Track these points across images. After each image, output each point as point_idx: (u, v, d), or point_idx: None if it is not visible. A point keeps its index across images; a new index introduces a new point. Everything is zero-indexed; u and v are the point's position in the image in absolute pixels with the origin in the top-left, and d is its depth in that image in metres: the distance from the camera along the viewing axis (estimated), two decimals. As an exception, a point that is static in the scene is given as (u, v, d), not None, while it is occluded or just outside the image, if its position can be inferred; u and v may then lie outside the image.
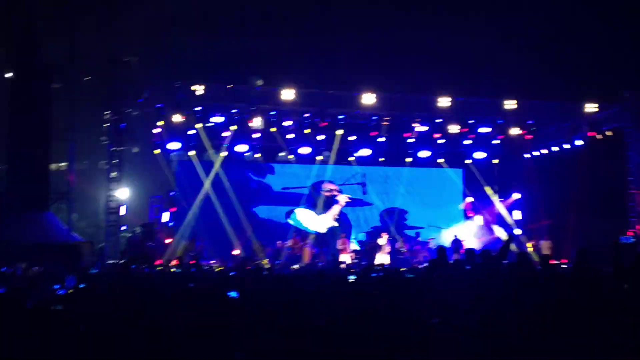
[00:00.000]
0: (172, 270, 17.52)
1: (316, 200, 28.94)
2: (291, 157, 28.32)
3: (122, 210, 23.96)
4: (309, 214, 28.93)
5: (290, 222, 28.69)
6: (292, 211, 28.98)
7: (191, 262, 17.03)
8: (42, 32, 22.94)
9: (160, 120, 24.63)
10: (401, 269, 16.35)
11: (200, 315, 5.53)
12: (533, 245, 26.77)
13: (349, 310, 7.26)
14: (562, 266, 21.53)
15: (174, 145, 26.08)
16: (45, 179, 22.15)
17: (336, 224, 28.68)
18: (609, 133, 26.09)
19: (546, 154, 28.41)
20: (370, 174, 29.77)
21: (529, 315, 7.30)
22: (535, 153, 28.94)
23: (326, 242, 27.37)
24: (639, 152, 25.37)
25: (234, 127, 25.82)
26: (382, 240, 26.07)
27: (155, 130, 25.38)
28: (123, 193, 23.99)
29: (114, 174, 23.65)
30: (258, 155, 28.27)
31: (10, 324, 6.02)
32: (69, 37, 23.50)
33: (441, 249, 12.01)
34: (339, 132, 26.75)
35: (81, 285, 10.30)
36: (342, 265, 23.12)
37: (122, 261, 18.90)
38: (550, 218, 28.05)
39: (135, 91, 23.91)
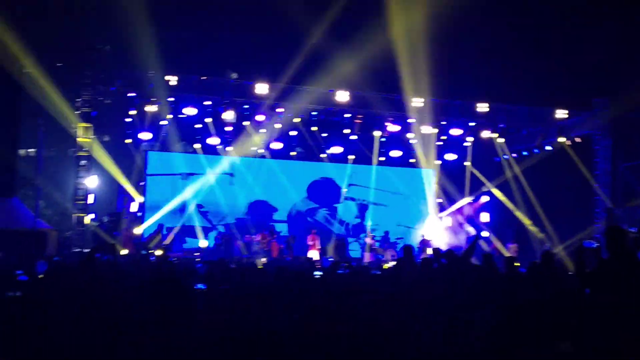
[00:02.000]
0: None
1: None
2: (262, 151, 28.32)
3: (90, 199, 23.75)
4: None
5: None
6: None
7: (156, 253, 16.97)
8: (13, 16, 22.61)
9: (132, 110, 24.44)
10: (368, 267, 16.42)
11: (160, 307, 5.48)
12: (497, 249, 27.08)
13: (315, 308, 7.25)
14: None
15: (146, 136, 25.92)
16: (12, 165, 21.86)
17: None
18: (577, 139, 26.43)
19: (516, 157, 28.69)
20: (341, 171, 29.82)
21: (492, 316, 7.37)
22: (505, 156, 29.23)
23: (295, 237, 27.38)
24: (606, 159, 25.77)
25: (209, 120, 25.78)
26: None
27: (127, 120, 25.20)
28: (92, 181, 23.77)
29: (82, 162, 23.43)
30: (230, 148, 28.16)
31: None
32: (41, 22, 23.20)
33: (407, 247, 12.09)
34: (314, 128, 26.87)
35: (41, 273, 10.21)
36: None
37: (87, 250, 18.73)
38: (518, 221, 28.39)
39: (107, 79, 23.71)
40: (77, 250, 21.60)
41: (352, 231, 29.01)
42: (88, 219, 23.76)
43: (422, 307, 8.06)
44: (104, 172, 25.71)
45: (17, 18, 21.99)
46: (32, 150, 24.30)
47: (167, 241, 24.29)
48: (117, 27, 27.62)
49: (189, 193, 27.29)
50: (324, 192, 29.62)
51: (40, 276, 9.54)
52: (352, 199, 29.96)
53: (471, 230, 28.85)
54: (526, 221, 27.76)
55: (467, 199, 30.14)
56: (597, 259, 9.09)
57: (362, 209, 30.02)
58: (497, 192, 29.45)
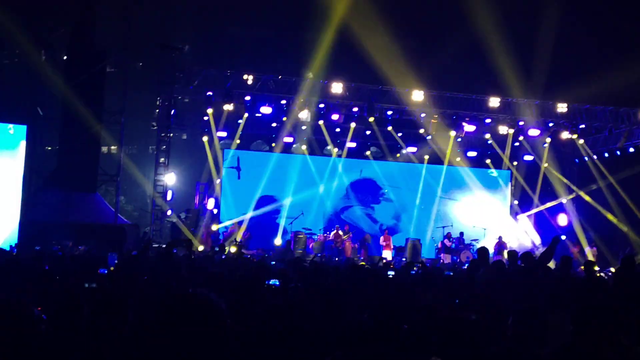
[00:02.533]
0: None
1: None
2: (336, 150, 28.48)
3: (169, 196, 24.25)
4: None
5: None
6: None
7: (232, 250, 17.19)
8: (97, 16, 23.26)
9: (209, 108, 24.81)
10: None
11: (235, 302, 5.57)
12: (578, 252, 26.39)
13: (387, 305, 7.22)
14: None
15: (222, 134, 26.34)
16: (95, 161, 22.48)
17: None
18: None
19: (596, 159, 27.94)
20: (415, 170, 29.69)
21: (568, 320, 7.21)
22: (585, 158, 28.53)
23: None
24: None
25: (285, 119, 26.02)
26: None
27: (205, 118, 25.64)
28: (170, 178, 24.27)
29: (162, 160, 23.94)
30: (304, 147, 28.36)
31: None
32: (123, 22, 23.79)
33: (482, 249, 11.90)
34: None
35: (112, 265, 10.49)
36: (383, 262, 23.00)
37: (164, 245, 19.11)
38: (598, 226, 27.69)
39: (186, 78, 24.14)
40: (155, 245, 22.06)
41: (388, 231, 28.63)
42: (169, 214, 24.29)
43: (493, 308, 7.94)
44: (183, 169, 26.26)
45: (99, 18, 22.62)
46: (114, 147, 24.95)
47: (243, 238, 24.55)
48: (196, 26, 28.20)
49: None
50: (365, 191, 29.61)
51: (111, 268, 9.79)
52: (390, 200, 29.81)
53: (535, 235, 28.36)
54: (614, 219, 26.89)
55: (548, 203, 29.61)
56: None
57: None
58: (582, 194, 28.76)
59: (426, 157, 28.92)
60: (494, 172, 29.90)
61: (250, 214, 27.03)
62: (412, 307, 6.39)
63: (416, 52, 24.03)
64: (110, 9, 24.07)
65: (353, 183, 29.29)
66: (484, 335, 5.28)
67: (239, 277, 9.43)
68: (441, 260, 25.64)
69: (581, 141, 27.41)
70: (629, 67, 22.76)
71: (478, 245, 26.40)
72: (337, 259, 22.87)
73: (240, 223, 26.08)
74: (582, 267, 11.90)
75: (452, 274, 12.15)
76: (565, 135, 26.94)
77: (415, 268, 13.33)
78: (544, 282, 10.35)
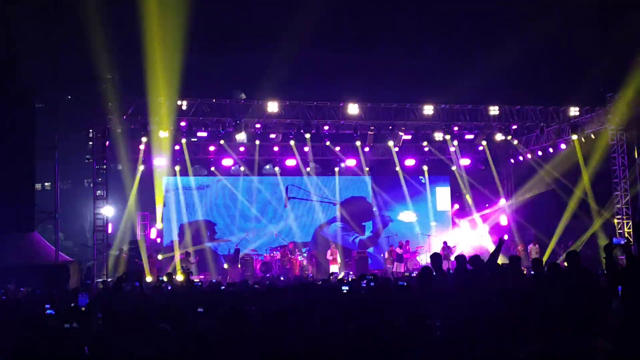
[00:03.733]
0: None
1: None
2: (276, 169, 28.53)
3: (110, 228, 23.80)
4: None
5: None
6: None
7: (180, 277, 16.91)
8: (22, 52, 22.76)
9: (144, 137, 24.45)
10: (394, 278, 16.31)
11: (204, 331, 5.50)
12: (521, 250, 26.87)
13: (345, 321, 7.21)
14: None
15: (160, 161, 26.01)
16: (30, 199, 21.90)
17: None
18: (592, 136, 26.24)
19: (530, 158, 28.56)
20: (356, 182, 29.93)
21: (529, 318, 7.31)
22: (520, 158, 29.16)
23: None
24: (622, 154, 25.59)
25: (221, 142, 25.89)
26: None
27: (140, 147, 25.28)
28: (109, 211, 23.81)
29: (99, 192, 23.48)
30: (243, 168, 28.26)
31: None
32: (49, 57, 23.36)
33: (435, 255, 11.97)
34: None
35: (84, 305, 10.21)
36: (332, 277, 22.97)
37: (112, 279, 18.73)
38: (537, 222, 28.30)
39: (118, 108, 23.75)
40: (100, 280, 21.58)
41: (359, 245, 28.90)
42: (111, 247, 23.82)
43: (453, 312, 8.01)
44: (121, 200, 25.79)
45: (27, 54, 22.15)
46: (48, 183, 24.38)
47: (191, 266, 24.21)
48: (124, 54, 27.81)
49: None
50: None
51: (82, 309, 9.55)
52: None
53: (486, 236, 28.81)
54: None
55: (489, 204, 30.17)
56: (627, 255, 8.99)
57: (385, 222, 30.06)
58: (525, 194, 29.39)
59: (366, 169, 29.10)
60: (423, 178, 30.30)
61: (204, 245, 26.96)
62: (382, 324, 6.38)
63: (348, 64, 24.20)
64: (33, 45, 23.59)
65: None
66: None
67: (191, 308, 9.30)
68: (393, 270, 25.79)
69: (515, 141, 27.96)
70: (556, 66, 23.44)
71: (423, 253, 26.94)
72: (282, 277, 22.74)
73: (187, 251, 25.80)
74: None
75: (405, 284, 12.16)
76: (499, 137, 27.43)
77: (365, 281, 13.31)
78: (495, 283, 10.48)
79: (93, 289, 17.97)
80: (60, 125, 22.98)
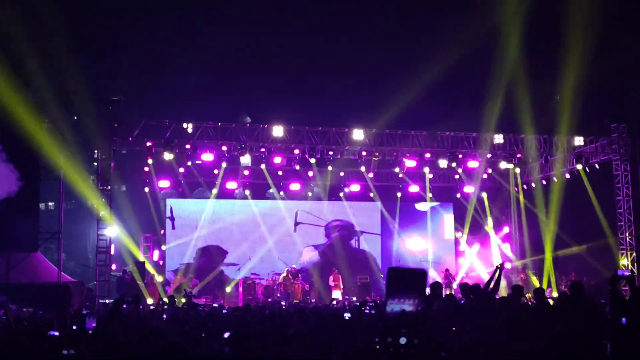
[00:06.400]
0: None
1: None
2: (280, 193, 28.57)
3: (112, 250, 23.79)
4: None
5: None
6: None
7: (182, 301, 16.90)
8: (30, 72, 22.90)
9: (149, 159, 24.51)
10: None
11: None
12: (522, 279, 26.79)
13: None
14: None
15: (164, 184, 26.12)
16: (34, 219, 21.94)
17: None
18: (596, 166, 26.25)
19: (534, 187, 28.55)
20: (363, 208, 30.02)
21: (529, 347, 7.28)
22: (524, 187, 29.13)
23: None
24: (627, 184, 25.58)
25: (224, 165, 25.93)
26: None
27: (145, 168, 25.37)
28: (112, 232, 23.82)
29: (102, 213, 23.50)
30: (247, 192, 28.35)
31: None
32: (57, 77, 23.48)
33: (435, 284, 11.95)
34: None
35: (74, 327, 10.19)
36: (334, 302, 22.90)
37: (112, 301, 18.66)
38: (540, 251, 28.22)
39: (124, 129, 23.85)
40: (102, 302, 21.54)
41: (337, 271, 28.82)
42: (113, 269, 23.82)
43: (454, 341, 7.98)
44: (125, 221, 25.82)
45: (35, 73, 22.28)
46: (52, 203, 24.43)
47: (193, 288, 24.17)
48: (131, 76, 28.01)
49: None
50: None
51: (90, 332, 9.54)
52: None
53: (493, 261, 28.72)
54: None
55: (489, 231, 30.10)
56: (631, 287, 9.00)
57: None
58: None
59: (371, 194, 29.19)
60: (420, 205, 30.33)
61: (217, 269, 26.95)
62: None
63: (355, 90, 24.35)
64: (42, 64, 23.74)
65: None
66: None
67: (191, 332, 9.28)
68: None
69: (517, 170, 27.95)
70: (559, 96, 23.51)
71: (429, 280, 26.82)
72: (283, 303, 22.66)
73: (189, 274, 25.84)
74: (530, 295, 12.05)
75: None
76: (503, 165, 27.42)
77: (367, 307, 13.28)
78: (498, 312, 10.45)
79: (95, 312, 17.91)
80: (65, 145, 22.99)
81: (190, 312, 14.20)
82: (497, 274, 11.39)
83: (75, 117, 27.91)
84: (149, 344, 7.39)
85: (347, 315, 11.71)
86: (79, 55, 24.31)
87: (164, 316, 14.00)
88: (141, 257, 25.18)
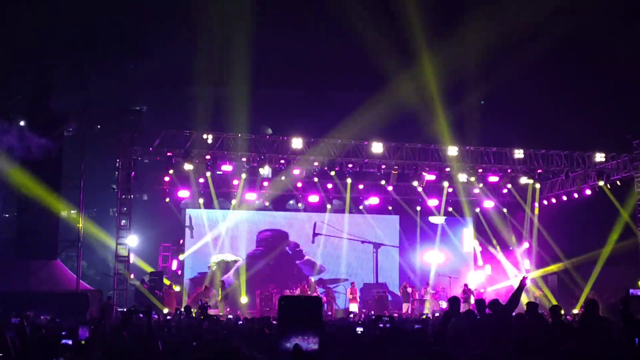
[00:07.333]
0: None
1: None
2: (300, 205, 28.62)
3: (132, 258, 23.92)
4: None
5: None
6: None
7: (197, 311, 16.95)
8: (54, 81, 23.22)
9: (170, 169, 24.64)
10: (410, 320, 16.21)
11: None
12: (538, 296, 26.61)
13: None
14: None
15: (184, 194, 26.26)
16: (55, 227, 22.15)
17: None
18: (618, 183, 26.04)
19: (554, 203, 28.39)
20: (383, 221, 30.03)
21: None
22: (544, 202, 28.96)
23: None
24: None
25: (243, 176, 26.02)
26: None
27: (165, 178, 25.53)
28: (132, 241, 23.97)
29: (123, 222, 23.66)
30: (267, 203, 28.46)
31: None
32: (81, 86, 23.77)
33: (453, 299, 11.87)
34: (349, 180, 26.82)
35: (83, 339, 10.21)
36: (351, 315, 22.84)
37: (126, 310, 18.75)
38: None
39: (145, 139, 24.02)
40: (121, 310, 21.64)
41: (354, 283, 28.69)
42: (132, 277, 23.92)
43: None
44: (145, 231, 25.99)
45: (56, 84, 22.56)
46: (74, 211, 24.61)
47: (210, 298, 24.19)
48: (153, 87, 28.23)
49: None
50: None
51: (82, 342, 9.52)
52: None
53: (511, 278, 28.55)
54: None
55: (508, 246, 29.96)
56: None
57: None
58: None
59: (390, 207, 29.23)
60: (434, 218, 30.22)
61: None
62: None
63: (374, 104, 24.38)
64: (67, 74, 24.05)
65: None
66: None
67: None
68: (405, 310, 25.65)
69: (538, 185, 27.75)
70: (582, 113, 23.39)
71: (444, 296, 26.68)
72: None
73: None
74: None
75: (421, 326, 12.07)
76: (523, 180, 27.27)
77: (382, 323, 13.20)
78: (514, 329, 10.38)
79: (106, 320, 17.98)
80: (87, 154, 23.25)
81: (204, 323, 14.22)
82: (517, 289, 11.30)
83: (98, 126, 28.22)
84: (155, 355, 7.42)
85: (359, 330, 11.67)
86: (101, 65, 24.55)
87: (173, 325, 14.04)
88: (151, 269, 25.38)
